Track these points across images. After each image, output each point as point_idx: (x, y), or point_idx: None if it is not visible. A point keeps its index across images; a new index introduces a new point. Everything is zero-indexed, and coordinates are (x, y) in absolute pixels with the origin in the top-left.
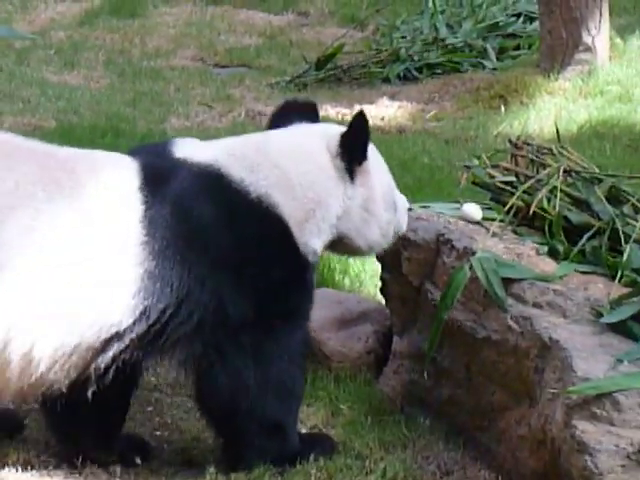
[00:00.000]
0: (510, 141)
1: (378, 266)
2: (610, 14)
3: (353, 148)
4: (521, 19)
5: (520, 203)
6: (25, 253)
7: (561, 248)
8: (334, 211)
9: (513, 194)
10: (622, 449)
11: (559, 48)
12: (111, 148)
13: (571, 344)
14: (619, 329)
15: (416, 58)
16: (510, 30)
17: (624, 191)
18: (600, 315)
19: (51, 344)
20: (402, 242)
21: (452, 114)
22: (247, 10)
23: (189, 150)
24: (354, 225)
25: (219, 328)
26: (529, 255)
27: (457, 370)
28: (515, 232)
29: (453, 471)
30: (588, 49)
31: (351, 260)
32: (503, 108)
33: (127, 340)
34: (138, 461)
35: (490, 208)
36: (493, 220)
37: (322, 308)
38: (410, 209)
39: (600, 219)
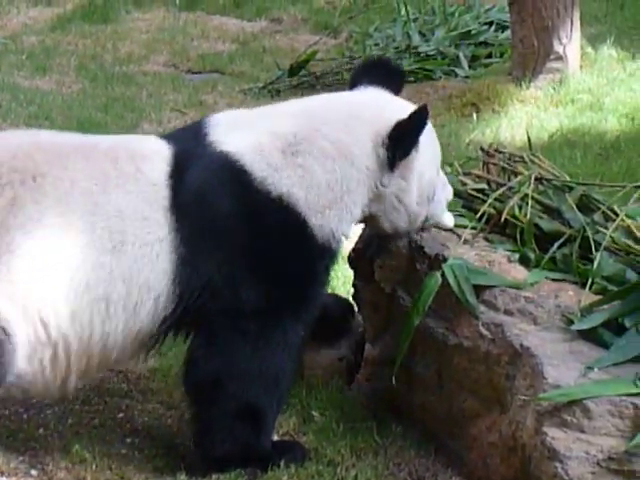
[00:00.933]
0: (482, 149)
1: (350, 272)
2: (581, 23)
3: (402, 142)
4: (493, 27)
5: (492, 211)
6: (96, 250)
7: (532, 255)
8: (365, 197)
9: (485, 201)
10: (592, 456)
11: (531, 56)
12: None
13: (542, 351)
14: (590, 336)
15: None
16: (482, 38)
17: (595, 199)
18: (571, 322)
19: (122, 331)
20: (374, 249)
21: None
22: (220, 16)
23: (221, 134)
24: (383, 209)
25: (228, 312)
26: (500, 262)
27: (429, 377)
28: (487, 239)
29: (424, 478)
30: (559, 58)
31: None
32: (475, 116)
33: (168, 323)
34: None
35: (462, 215)
36: (465, 227)
37: None
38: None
39: (571, 227)
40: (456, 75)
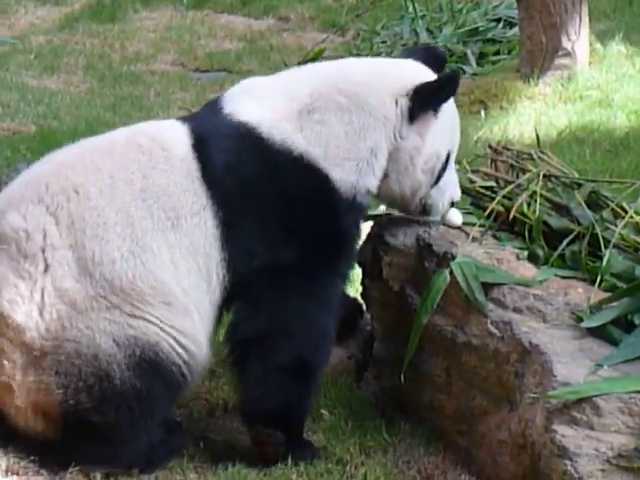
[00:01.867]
0: (490, 146)
1: (359, 271)
2: (590, 19)
3: (426, 94)
4: (501, 24)
5: (500, 208)
6: (162, 231)
7: (541, 253)
8: (384, 149)
9: (493, 199)
10: (602, 453)
11: (539, 53)
12: None
13: (551, 349)
14: (599, 334)
15: None
16: (490, 35)
17: (604, 196)
18: (580, 320)
19: (210, 303)
20: (382, 247)
21: None
22: (228, 15)
23: (237, 104)
24: (396, 167)
25: (267, 271)
26: (509, 260)
27: (438, 375)
28: (495, 237)
29: (434, 475)
30: (568, 54)
31: None
32: (483, 113)
33: (225, 295)
34: None
35: (470, 213)
36: (473, 225)
37: None
38: (453, 204)
39: (580, 224)
40: (464, 72)
